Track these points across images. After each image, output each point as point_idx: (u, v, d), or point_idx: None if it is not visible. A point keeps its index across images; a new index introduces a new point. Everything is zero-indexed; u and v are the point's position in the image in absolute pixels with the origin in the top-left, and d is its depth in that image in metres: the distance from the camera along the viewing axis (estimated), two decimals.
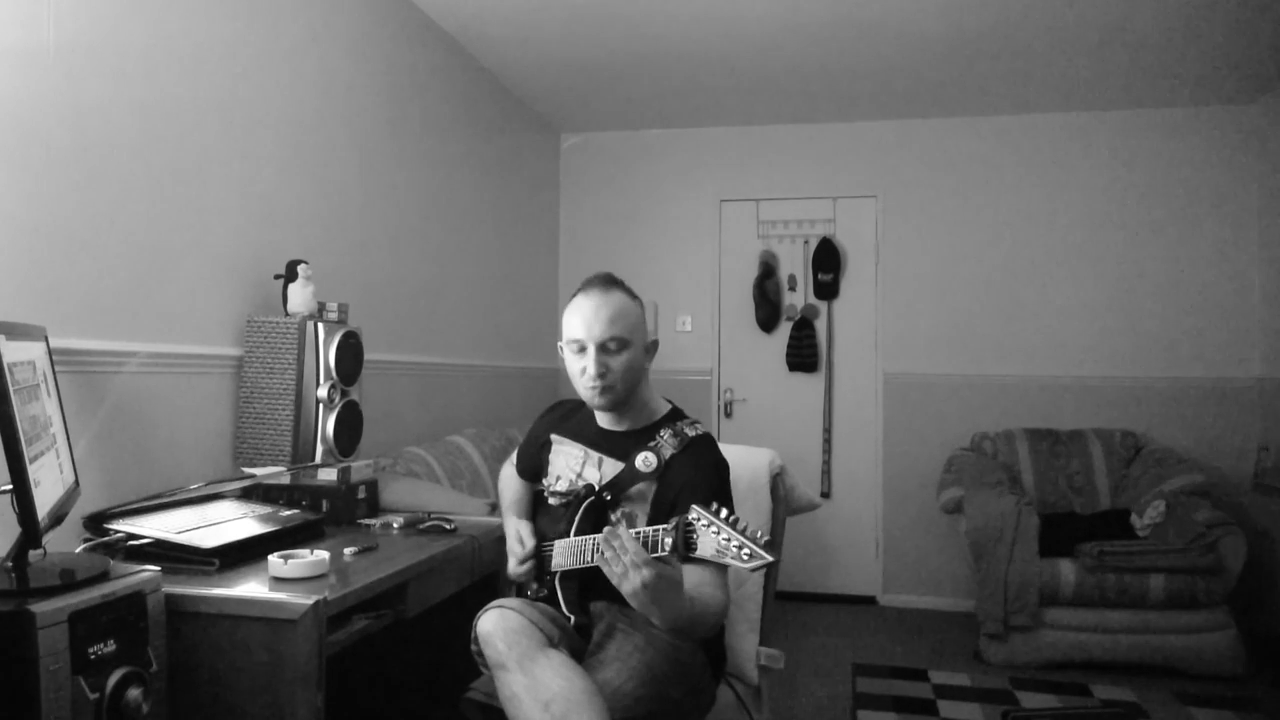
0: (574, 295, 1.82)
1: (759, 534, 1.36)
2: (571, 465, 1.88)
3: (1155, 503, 3.84)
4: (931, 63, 3.93)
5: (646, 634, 1.70)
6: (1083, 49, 3.74)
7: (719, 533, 1.37)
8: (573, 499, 1.82)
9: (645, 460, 1.75)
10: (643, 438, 1.81)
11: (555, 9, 3.39)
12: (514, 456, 2.10)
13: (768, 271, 4.87)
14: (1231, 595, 3.58)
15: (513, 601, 1.70)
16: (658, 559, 1.42)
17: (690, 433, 1.80)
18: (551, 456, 1.93)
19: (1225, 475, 4.29)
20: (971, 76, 4.11)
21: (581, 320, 1.76)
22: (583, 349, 1.76)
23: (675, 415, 1.87)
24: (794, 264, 4.91)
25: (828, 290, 4.83)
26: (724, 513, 1.39)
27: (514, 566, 1.87)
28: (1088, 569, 3.62)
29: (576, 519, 1.76)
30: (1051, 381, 4.61)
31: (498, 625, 1.63)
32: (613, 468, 1.82)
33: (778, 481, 2.18)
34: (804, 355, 4.82)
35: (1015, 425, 4.53)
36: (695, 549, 1.40)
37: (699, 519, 1.41)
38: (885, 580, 4.76)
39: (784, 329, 4.89)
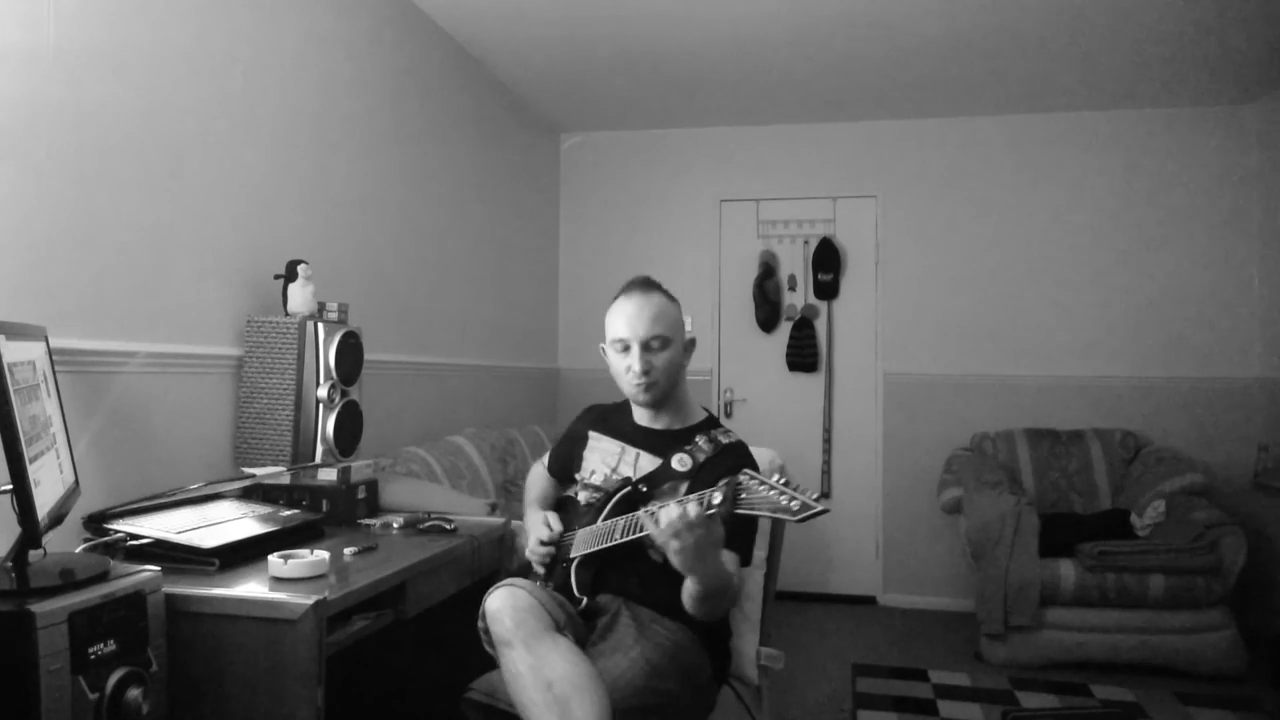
0: (616, 298, 1.93)
1: (809, 491, 1.44)
2: (607, 460, 1.96)
3: (1155, 502, 3.85)
4: (931, 63, 3.93)
5: (648, 629, 1.74)
6: (1083, 49, 3.74)
7: (770, 490, 1.45)
8: (606, 490, 1.89)
9: (681, 460, 1.85)
10: (679, 438, 1.90)
11: (555, 9, 3.39)
12: (545, 457, 2.20)
13: (768, 271, 4.87)
14: (1231, 595, 3.57)
15: (522, 581, 1.73)
16: (708, 517, 1.51)
17: (724, 440, 1.90)
18: (586, 453, 2.02)
19: (1225, 475, 4.28)
20: (971, 76, 4.11)
21: (625, 320, 1.87)
22: (627, 348, 1.87)
23: (711, 423, 1.96)
24: (794, 264, 4.91)
25: (828, 290, 4.83)
26: (775, 475, 1.48)
27: (534, 544, 1.93)
28: (1088, 569, 3.62)
29: (608, 507, 1.83)
30: (1051, 381, 4.61)
31: (506, 602, 1.65)
32: (649, 461, 1.90)
33: None
34: (804, 355, 4.82)
35: (1015, 425, 4.53)
36: (741, 506, 1.48)
37: (750, 479, 1.49)
38: (885, 580, 4.76)
39: (784, 329, 4.89)
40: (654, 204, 5.05)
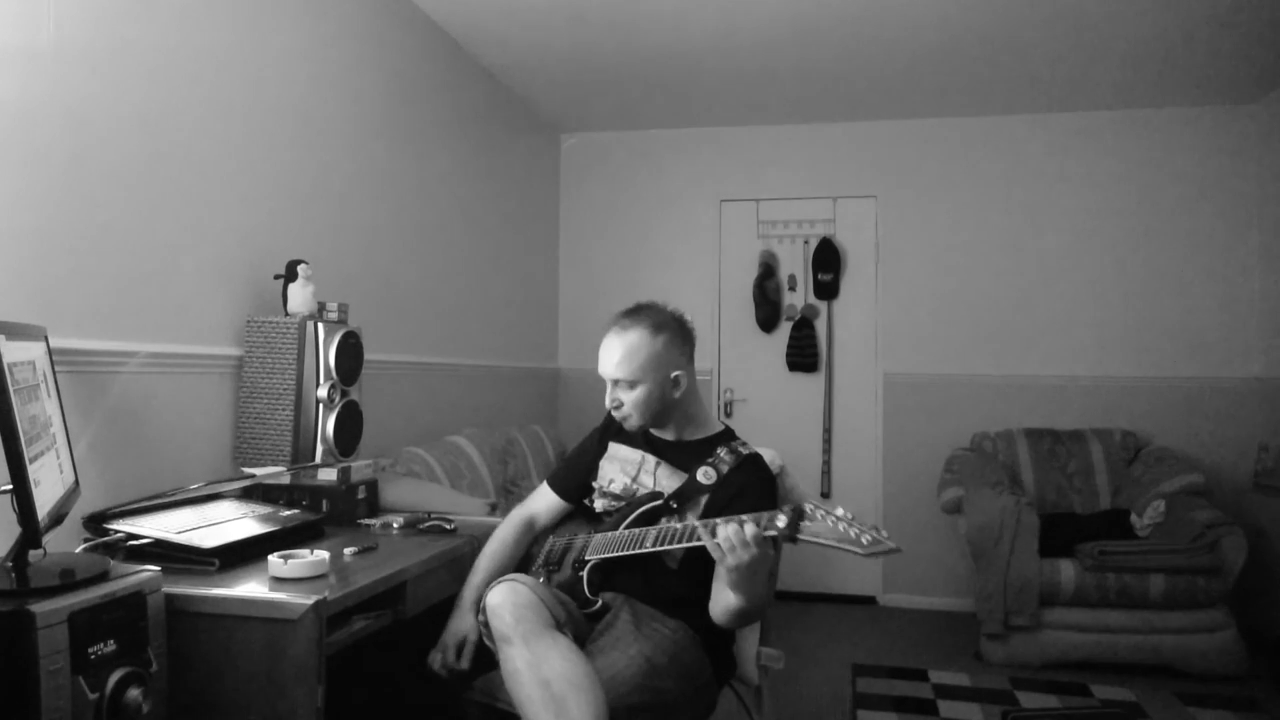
0: None
1: (879, 529, 1.45)
2: (627, 469, 1.98)
3: (1155, 502, 3.84)
4: (931, 63, 3.93)
5: (648, 628, 1.75)
6: (1083, 49, 3.74)
7: (837, 523, 1.46)
8: (631, 500, 1.90)
9: (706, 474, 1.87)
10: (698, 450, 1.92)
11: (555, 9, 3.39)
12: (527, 501, 2.11)
13: (768, 271, 4.86)
14: (1231, 595, 3.57)
15: (523, 577, 1.73)
16: (768, 538, 1.53)
17: (744, 451, 1.92)
18: (604, 462, 2.03)
19: (1225, 475, 4.29)
20: (971, 76, 4.11)
21: (602, 358, 1.91)
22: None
23: (729, 435, 1.98)
24: (794, 264, 4.90)
25: (828, 290, 4.83)
26: (840, 509, 1.48)
27: (443, 656, 1.82)
28: (1088, 569, 3.62)
29: (632, 516, 1.85)
30: (1051, 381, 4.61)
31: (507, 598, 1.65)
32: (667, 471, 1.92)
33: (778, 481, 2.17)
34: (804, 355, 4.82)
35: (1015, 425, 4.53)
36: (801, 533, 1.49)
37: (815, 509, 1.50)
38: (885, 580, 4.76)
39: (784, 329, 4.89)
40: (654, 204, 5.05)
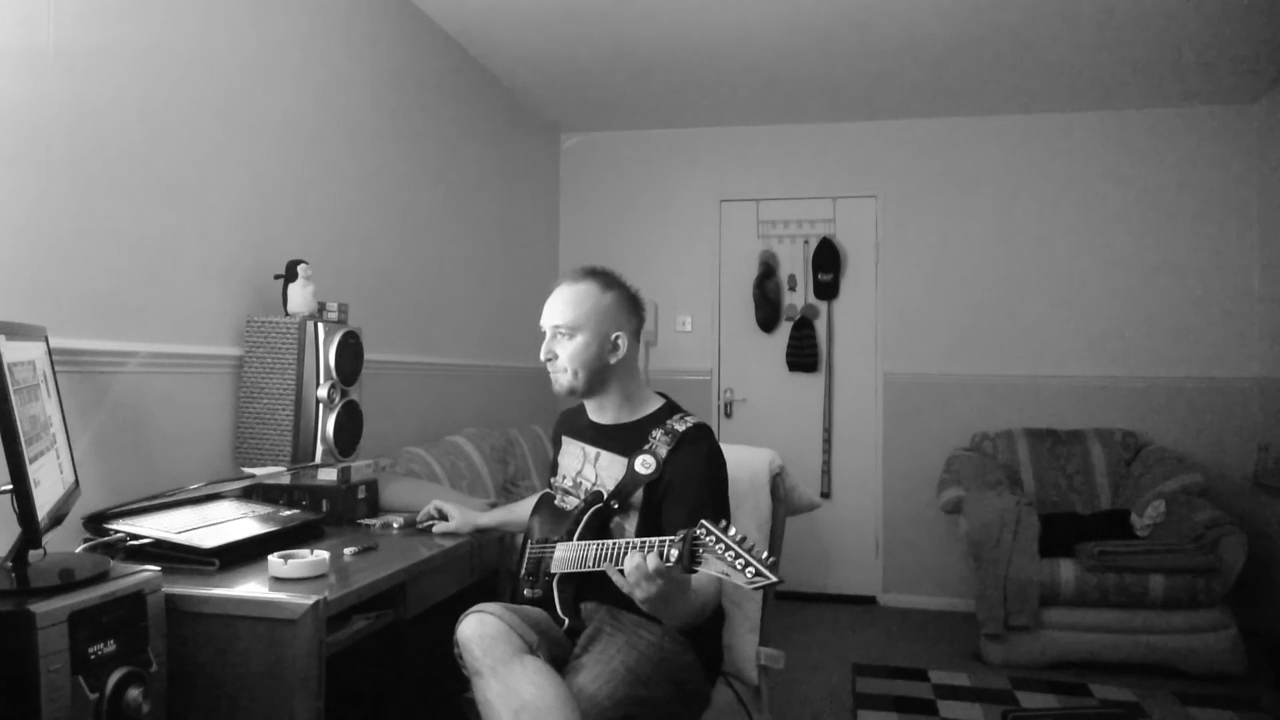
0: None
1: (765, 555, 1.37)
2: (574, 463, 1.94)
3: (1155, 502, 3.84)
4: (931, 63, 3.93)
5: (632, 636, 1.72)
6: (1083, 49, 3.75)
7: (726, 550, 1.37)
8: (580, 505, 1.84)
9: (644, 463, 1.78)
10: (634, 433, 1.84)
11: (555, 9, 3.39)
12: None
13: (768, 271, 4.86)
14: (1231, 595, 3.57)
15: (493, 606, 1.69)
16: (667, 569, 1.44)
17: (680, 427, 1.81)
18: (560, 457, 2.01)
19: (1225, 475, 4.29)
20: (971, 76, 4.11)
21: (546, 308, 1.88)
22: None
23: (667, 411, 1.88)
24: (794, 264, 4.90)
25: (828, 290, 4.83)
26: (732, 531, 1.39)
27: (427, 509, 2.16)
28: (1088, 569, 3.62)
29: (581, 524, 1.77)
30: (1051, 381, 4.61)
31: (475, 631, 1.63)
32: (609, 460, 1.86)
33: (778, 481, 2.18)
34: (804, 355, 4.82)
35: (1015, 425, 4.53)
36: (700, 563, 1.41)
37: (707, 535, 1.41)
38: (885, 580, 4.76)
39: (784, 329, 4.89)
40: (654, 204, 5.05)
